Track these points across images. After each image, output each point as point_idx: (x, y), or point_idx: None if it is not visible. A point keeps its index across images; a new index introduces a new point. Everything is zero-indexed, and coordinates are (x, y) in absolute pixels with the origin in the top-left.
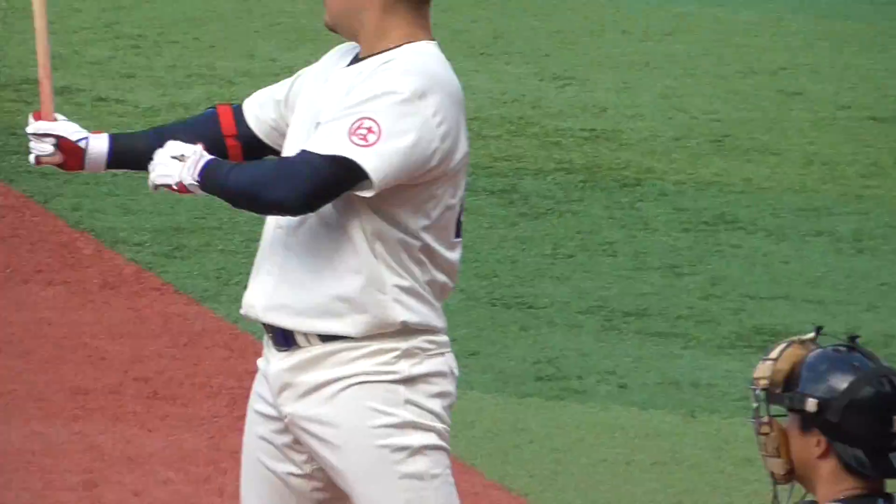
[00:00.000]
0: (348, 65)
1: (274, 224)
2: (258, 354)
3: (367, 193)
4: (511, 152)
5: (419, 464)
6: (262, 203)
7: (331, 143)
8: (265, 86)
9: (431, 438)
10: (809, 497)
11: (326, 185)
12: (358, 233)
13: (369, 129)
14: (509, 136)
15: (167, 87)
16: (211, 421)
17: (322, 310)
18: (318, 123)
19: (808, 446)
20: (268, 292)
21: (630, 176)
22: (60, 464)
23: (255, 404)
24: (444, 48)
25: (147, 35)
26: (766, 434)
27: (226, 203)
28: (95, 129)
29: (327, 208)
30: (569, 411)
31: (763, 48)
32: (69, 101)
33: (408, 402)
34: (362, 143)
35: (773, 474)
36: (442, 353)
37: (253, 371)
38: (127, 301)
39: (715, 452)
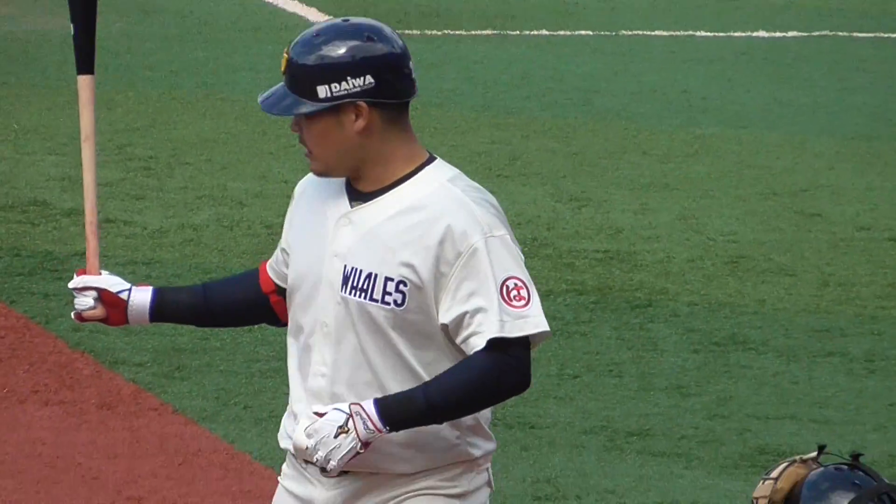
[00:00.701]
0: (352, 199)
1: (317, 371)
2: (254, 474)
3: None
4: None
5: None
6: (500, 400)
7: (507, 323)
8: (276, 207)
9: None
10: None
11: (529, 352)
12: (422, 374)
13: (520, 285)
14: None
15: (177, 209)
16: None
17: (390, 464)
18: (355, 272)
19: None
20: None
21: (642, 297)
22: None
23: (288, 484)
24: (463, 169)
25: (159, 157)
26: None
27: (228, 327)
28: (103, 251)
29: (402, 348)
30: None
31: (785, 169)
32: (77, 223)
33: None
34: (524, 302)
35: None
36: (488, 468)
37: (247, 491)
38: (124, 421)
39: None
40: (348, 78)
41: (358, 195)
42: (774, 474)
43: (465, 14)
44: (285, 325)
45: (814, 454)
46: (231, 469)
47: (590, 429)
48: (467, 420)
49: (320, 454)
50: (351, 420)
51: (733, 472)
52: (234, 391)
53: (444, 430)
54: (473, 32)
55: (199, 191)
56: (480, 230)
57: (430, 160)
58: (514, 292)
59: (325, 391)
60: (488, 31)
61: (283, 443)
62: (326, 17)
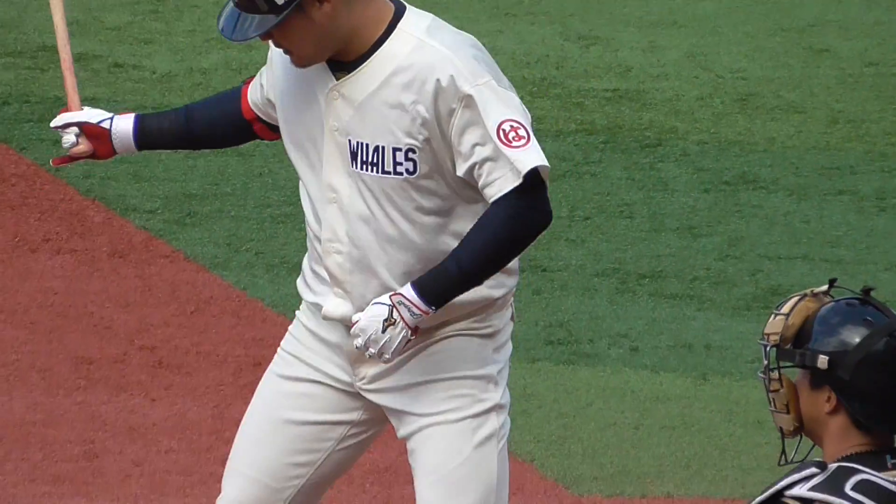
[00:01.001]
0: (335, 71)
1: (325, 238)
2: (267, 321)
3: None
4: (531, 114)
5: (491, 423)
6: (529, 239)
7: (518, 161)
8: None
9: (505, 396)
10: (816, 453)
11: (545, 187)
12: (446, 236)
13: (516, 125)
14: (531, 97)
15: (185, 53)
16: (216, 390)
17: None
18: (361, 146)
19: (818, 402)
20: (355, 307)
21: (651, 137)
22: (61, 434)
23: (302, 371)
24: (470, 9)
25: (167, 0)
26: (775, 391)
27: (239, 170)
28: (112, 97)
29: (421, 208)
30: (579, 375)
31: (792, 5)
32: (86, 68)
33: (494, 352)
34: (521, 141)
35: (781, 430)
36: (512, 302)
37: (260, 339)
38: (135, 269)
39: (725, 415)
40: None
41: (339, 65)
42: (785, 309)
43: None
44: (271, 140)
45: (825, 288)
46: (243, 317)
47: (601, 271)
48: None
49: (372, 351)
50: (395, 310)
51: (745, 313)
52: (245, 237)
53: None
54: None
55: (207, 34)
56: (466, 82)
57: (400, 12)
58: (512, 133)
59: (344, 268)
60: None
61: (305, 295)
62: None
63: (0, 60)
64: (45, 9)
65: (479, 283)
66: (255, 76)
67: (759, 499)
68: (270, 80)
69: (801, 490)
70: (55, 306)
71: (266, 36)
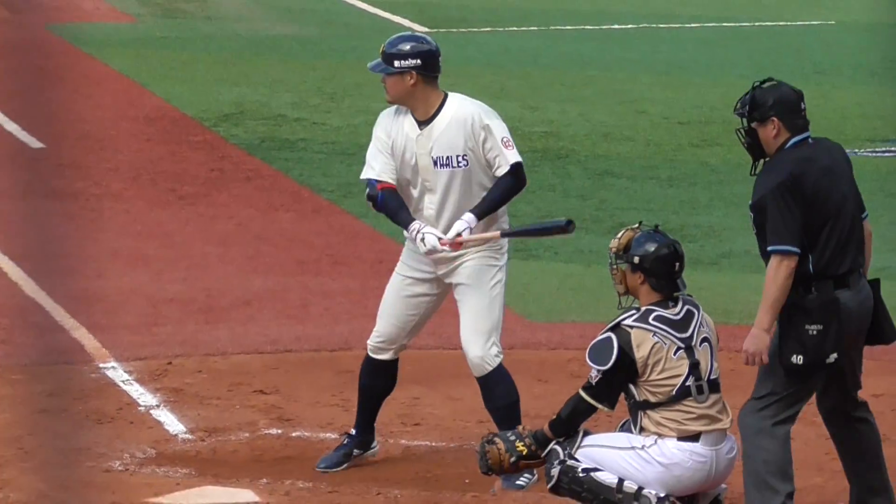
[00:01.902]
0: (420, 126)
1: (427, 204)
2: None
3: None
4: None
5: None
6: (518, 192)
7: (510, 155)
8: None
9: (505, 269)
10: (636, 303)
11: (523, 170)
12: (482, 189)
13: (508, 139)
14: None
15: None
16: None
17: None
18: (440, 158)
19: (635, 280)
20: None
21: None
22: None
23: (411, 273)
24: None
25: None
26: (615, 274)
27: None
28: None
29: (474, 189)
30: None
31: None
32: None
33: (501, 252)
34: (511, 146)
35: (618, 293)
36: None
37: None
38: None
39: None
40: (408, 59)
41: (420, 123)
42: (619, 235)
43: None
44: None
45: (637, 225)
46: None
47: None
48: (500, 213)
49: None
50: (465, 226)
51: None
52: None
53: (489, 218)
54: None
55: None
56: (487, 117)
57: (446, 95)
58: (509, 143)
59: (433, 218)
60: None
61: (410, 245)
62: (408, 22)
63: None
64: None
65: (495, 210)
66: (377, 180)
67: (606, 328)
68: (389, 151)
69: (629, 321)
70: None
71: (383, 79)
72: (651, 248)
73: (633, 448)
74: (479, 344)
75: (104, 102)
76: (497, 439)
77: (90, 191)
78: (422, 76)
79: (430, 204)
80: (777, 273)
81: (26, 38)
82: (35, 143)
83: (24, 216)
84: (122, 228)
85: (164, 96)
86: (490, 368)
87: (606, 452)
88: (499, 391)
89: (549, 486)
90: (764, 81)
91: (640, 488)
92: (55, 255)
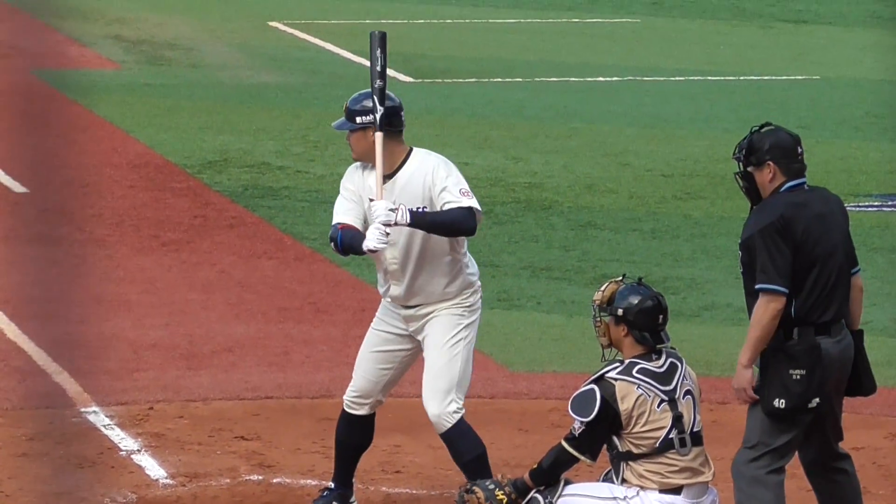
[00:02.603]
0: (383, 180)
1: (390, 258)
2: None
3: (476, 229)
4: (485, 196)
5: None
6: (466, 231)
7: (465, 201)
8: None
9: (473, 327)
10: (619, 356)
11: (475, 219)
12: (450, 251)
13: (466, 190)
14: (489, 185)
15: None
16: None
17: (440, 296)
18: (402, 205)
19: (619, 332)
20: (405, 292)
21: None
22: None
23: (385, 329)
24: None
25: None
26: (598, 326)
27: None
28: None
29: (435, 240)
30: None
31: None
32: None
33: (470, 310)
34: (469, 196)
35: (602, 346)
36: (478, 290)
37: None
38: None
39: None
40: (371, 115)
41: (384, 178)
42: (602, 288)
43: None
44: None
45: (620, 277)
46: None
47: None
48: (468, 268)
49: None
50: (398, 213)
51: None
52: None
53: (458, 276)
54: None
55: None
56: (445, 171)
57: (411, 149)
58: (467, 193)
59: (398, 271)
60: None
61: (382, 291)
62: (394, 73)
63: None
64: None
65: (433, 222)
66: (341, 221)
67: (590, 380)
68: (356, 199)
69: (613, 374)
70: None
71: (347, 136)
72: (635, 300)
73: (614, 499)
74: (437, 402)
75: (88, 148)
76: (476, 488)
77: (74, 236)
78: (384, 132)
79: (392, 258)
80: (764, 312)
81: (12, 82)
82: (19, 188)
83: (7, 261)
84: (105, 274)
85: (149, 143)
86: (448, 425)
87: (588, 502)
88: (463, 446)
89: None
90: (762, 126)
91: None
92: (38, 300)
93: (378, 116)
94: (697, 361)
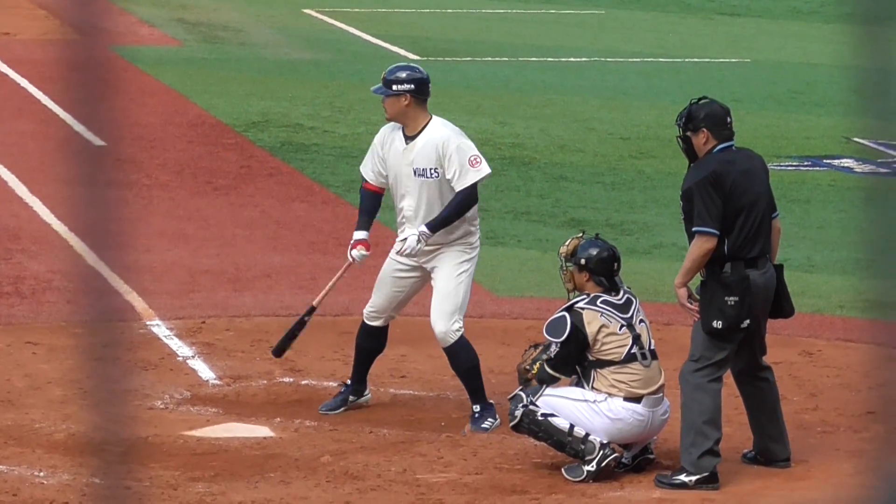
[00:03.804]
0: (406, 140)
1: (406, 206)
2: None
3: (475, 192)
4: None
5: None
6: (470, 208)
7: (470, 176)
8: None
9: (473, 262)
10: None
11: (476, 189)
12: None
13: (475, 157)
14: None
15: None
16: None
17: (446, 238)
18: (418, 169)
19: (581, 278)
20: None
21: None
22: None
23: (399, 259)
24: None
25: None
26: (564, 274)
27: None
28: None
29: (446, 195)
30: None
31: None
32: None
33: (472, 248)
34: (478, 165)
35: (567, 290)
36: (477, 233)
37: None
38: None
39: None
40: (404, 84)
41: (407, 138)
42: (566, 243)
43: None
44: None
45: (581, 234)
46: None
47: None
48: (470, 215)
49: (409, 252)
50: (419, 237)
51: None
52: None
53: (465, 221)
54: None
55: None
56: (457, 139)
57: (431, 117)
58: (474, 160)
59: (412, 216)
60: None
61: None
62: (404, 52)
63: None
64: None
65: (447, 225)
66: (365, 178)
67: (561, 308)
68: (378, 159)
69: (581, 304)
70: None
71: (383, 101)
72: (594, 251)
73: (585, 401)
74: (443, 321)
75: (155, 110)
76: (536, 359)
77: (142, 182)
78: (414, 98)
79: (409, 205)
80: (698, 249)
81: (93, 56)
82: (98, 142)
83: (88, 201)
84: (168, 212)
85: (204, 106)
86: (452, 340)
87: (563, 402)
88: (462, 357)
89: (512, 424)
90: (700, 99)
91: (587, 434)
92: (112, 233)
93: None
94: (647, 290)
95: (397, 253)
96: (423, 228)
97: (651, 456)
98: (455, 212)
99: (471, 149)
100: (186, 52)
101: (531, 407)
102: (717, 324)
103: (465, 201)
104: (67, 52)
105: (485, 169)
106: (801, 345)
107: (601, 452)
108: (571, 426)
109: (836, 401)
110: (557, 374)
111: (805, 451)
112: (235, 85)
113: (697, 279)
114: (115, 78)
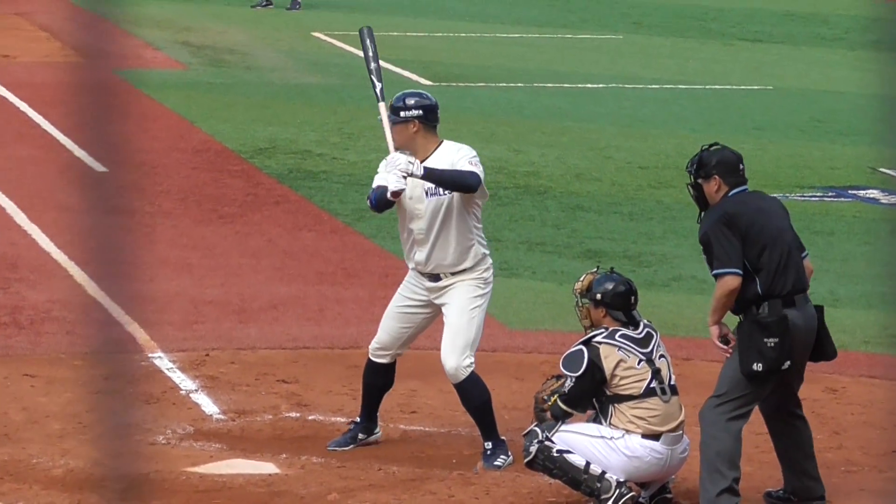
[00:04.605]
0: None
1: (417, 228)
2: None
3: (481, 189)
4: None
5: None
6: (468, 187)
7: (473, 169)
8: None
9: (487, 297)
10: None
11: (481, 178)
12: (465, 225)
13: (475, 163)
14: (494, 172)
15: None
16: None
17: (456, 263)
18: (430, 189)
19: (598, 314)
20: (426, 258)
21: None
22: None
23: (410, 294)
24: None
25: None
26: (580, 310)
27: None
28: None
29: (455, 215)
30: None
31: None
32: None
33: (486, 283)
34: (477, 167)
35: (584, 328)
36: (491, 268)
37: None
38: None
39: None
40: (412, 111)
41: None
42: (581, 278)
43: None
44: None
45: (595, 269)
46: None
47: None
48: (481, 242)
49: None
50: (414, 164)
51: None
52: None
53: (473, 248)
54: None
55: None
56: (468, 154)
57: (442, 141)
58: (476, 161)
59: (423, 240)
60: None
61: (409, 261)
62: (416, 77)
63: None
64: None
65: (441, 175)
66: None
67: (579, 342)
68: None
69: (599, 338)
70: None
71: (392, 125)
72: (610, 286)
73: (602, 437)
74: (455, 357)
75: (159, 135)
76: (550, 396)
77: (145, 209)
78: (423, 124)
79: (419, 227)
80: (721, 290)
81: (96, 79)
82: (99, 168)
83: (89, 228)
84: (171, 241)
85: (209, 132)
86: (463, 376)
87: (580, 439)
88: (473, 393)
89: (526, 460)
90: (711, 145)
91: (604, 472)
92: (114, 262)
93: (378, 90)
94: (666, 324)
95: (383, 164)
96: (420, 165)
97: (669, 495)
98: (456, 175)
99: (479, 165)
100: (191, 75)
101: (546, 443)
102: (758, 366)
103: (468, 176)
104: (69, 76)
105: (483, 175)
106: (824, 381)
107: (617, 491)
108: (588, 464)
109: (860, 439)
110: (571, 410)
111: (829, 491)
112: (242, 110)
113: (735, 318)
114: (117, 102)
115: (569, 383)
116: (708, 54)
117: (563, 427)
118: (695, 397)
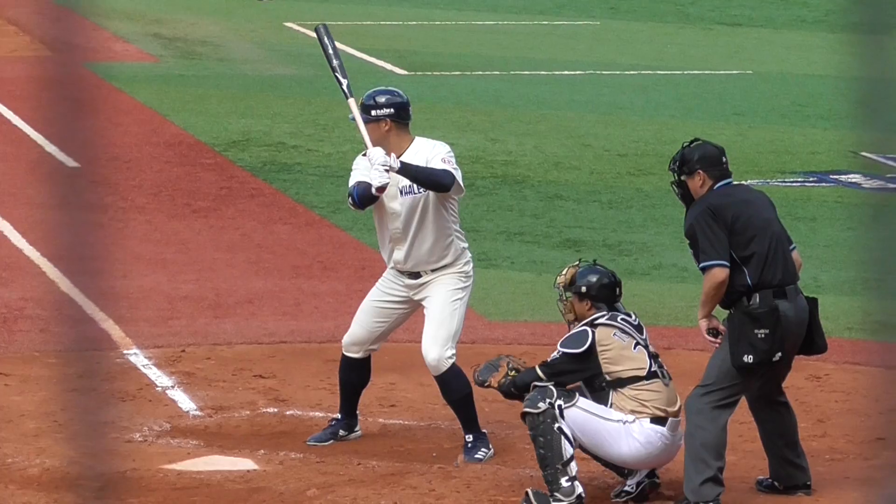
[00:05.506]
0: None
1: (393, 227)
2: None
3: (455, 186)
4: (469, 173)
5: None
6: (443, 186)
7: (450, 168)
8: None
9: (468, 290)
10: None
11: (459, 177)
12: (442, 220)
13: (450, 161)
14: (471, 161)
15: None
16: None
17: (436, 260)
18: (405, 187)
19: (583, 307)
20: (405, 256)
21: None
22: None
23: (387, 290)
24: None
25: None
26: (564, 304)
27: None
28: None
29: (431, 212)
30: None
31: None
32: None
33: (467, 276)
34: (455, 169)
35: (568, 322)
36: (471, 262)
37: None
38: None
39: None
40: (383, 109)
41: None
42: (564, 272)
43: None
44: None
45: (577, 262)
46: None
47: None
48: (454, 228)
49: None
50: (390, 160)
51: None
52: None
53: (453, 242)
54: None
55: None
56: (442, 151)
57: (414, 138)
58: (452, 160)
59: (399, 238)
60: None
61: (387, 259)
62: (390, 66)
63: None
64: None
65: (416, 171)
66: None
67: (581, 324)
68: (365, 172)
69: (601, 320)
70: None
71: (366, 123)
72: (594, 278)
73: (618, 421)
74: (436, 349)
75: (131, 130)
76: (507, 362)
77: (118, 204)
78: (394, 123)
79: (395, 227)
80: (708, 282)
81: (65, 73)
82: (71, 163)
83: (61, 224)
84: (144, 236)
85: (182, 125)
86: (445, 369)
87: (593, 420)
88: (454, 386)
89: (525, 409)
90: (692, 141)
91: (574, 478)
92: (87, 258)
93: (345, 87)
94: (647, 313)
95: (363, 155)
96: (397, 160)
97: (657, 480)
98: (432, 173)
99: (453, 161)
100: (163, 68)
101: (556, 412)
102: (748, 358)
103: (443, 175)
104: (39, 70)
105: (460, 179)
106: (808, 369)
107: (574, 500)
108: (571, 458)
109: (844, 427)
110: (546, 383)
111: (813, 479)
112: (214, 102)
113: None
114: (88, 96)
115: (556, 355)
116: (686, 39)
117: (581, 402)
118: (678, 387)
